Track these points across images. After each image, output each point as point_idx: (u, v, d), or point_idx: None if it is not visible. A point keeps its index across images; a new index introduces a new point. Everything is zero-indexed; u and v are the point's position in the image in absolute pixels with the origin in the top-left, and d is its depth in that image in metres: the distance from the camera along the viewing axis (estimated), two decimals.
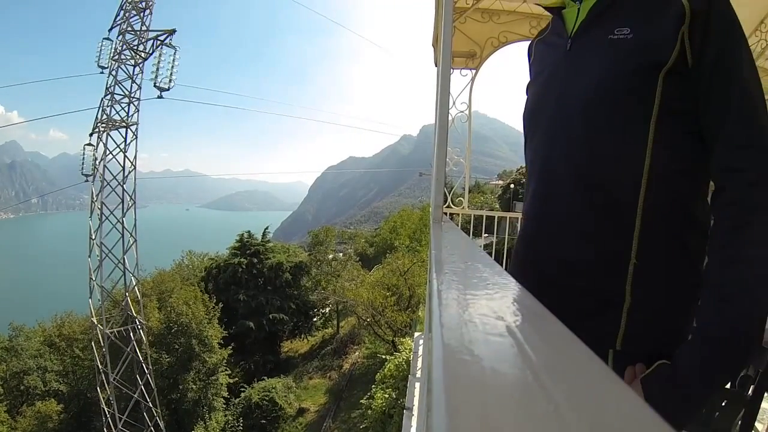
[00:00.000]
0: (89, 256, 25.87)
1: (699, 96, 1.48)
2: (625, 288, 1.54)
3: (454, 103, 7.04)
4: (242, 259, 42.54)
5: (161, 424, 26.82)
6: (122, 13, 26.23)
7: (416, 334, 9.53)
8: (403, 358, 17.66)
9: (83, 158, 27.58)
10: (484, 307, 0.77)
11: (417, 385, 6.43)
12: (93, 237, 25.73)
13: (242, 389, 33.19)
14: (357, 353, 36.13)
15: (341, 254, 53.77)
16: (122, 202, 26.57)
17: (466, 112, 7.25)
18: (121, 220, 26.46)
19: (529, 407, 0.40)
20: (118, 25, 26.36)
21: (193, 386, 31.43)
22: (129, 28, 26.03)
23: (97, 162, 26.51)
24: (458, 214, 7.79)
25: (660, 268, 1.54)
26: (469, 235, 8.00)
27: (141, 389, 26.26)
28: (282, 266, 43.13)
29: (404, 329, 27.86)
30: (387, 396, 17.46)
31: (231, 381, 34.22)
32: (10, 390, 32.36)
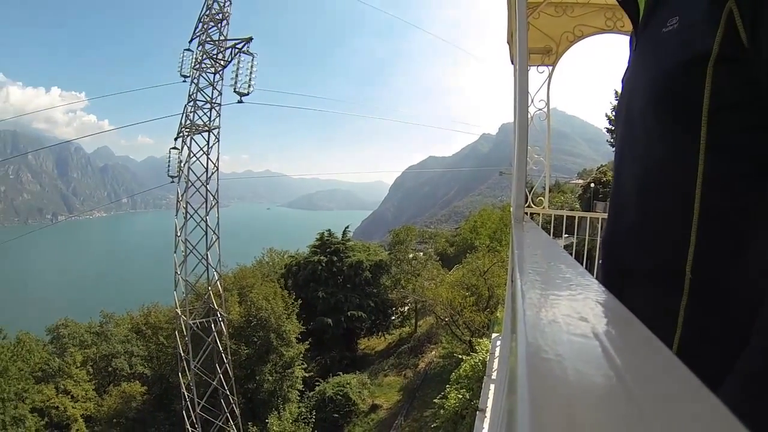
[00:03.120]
0: (175, 252, 27.40)
1: (763, 81, 1.30)
2: (681, 302, 1.46)
3: (532, 100, 6.89)
4: (322, 257, 43.14)
5: (237, 411, 27.97)
6: (201, 25, 27.63)
7: (494, 335, 9.42)
8: (479, 359, 17.39)
9: (169, 161, 29.06)
10: (567, 307, 0.80)
11: (492, 386, 6.38)
12: (178, 234, 27.11)
13: (317, 383, 33.82)
14: (433, 352, 36.02)
15: (421, 253, 53.32)
16: (206, 201, 27.89)
17: (545, 109, 7.12)
18: (204, 219, 27.78)
19: (614, 411, 0.39)
20: (197, 36, 27.77)
21: (270, 378, 32.56)
22: (208, 39, 27.34)
23: (182, 164, 27.93)
24: (539, 214, 7.63)
25: (717, 283, 1.44)
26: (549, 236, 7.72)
27: (219, 377, 27.49)
28: (362, 264, 43.45)
29: (482, 330, 27.50)
30: (460, 396, 17.44)
31: (306, 375, 35.17)
32: (99, 371, 35.02)
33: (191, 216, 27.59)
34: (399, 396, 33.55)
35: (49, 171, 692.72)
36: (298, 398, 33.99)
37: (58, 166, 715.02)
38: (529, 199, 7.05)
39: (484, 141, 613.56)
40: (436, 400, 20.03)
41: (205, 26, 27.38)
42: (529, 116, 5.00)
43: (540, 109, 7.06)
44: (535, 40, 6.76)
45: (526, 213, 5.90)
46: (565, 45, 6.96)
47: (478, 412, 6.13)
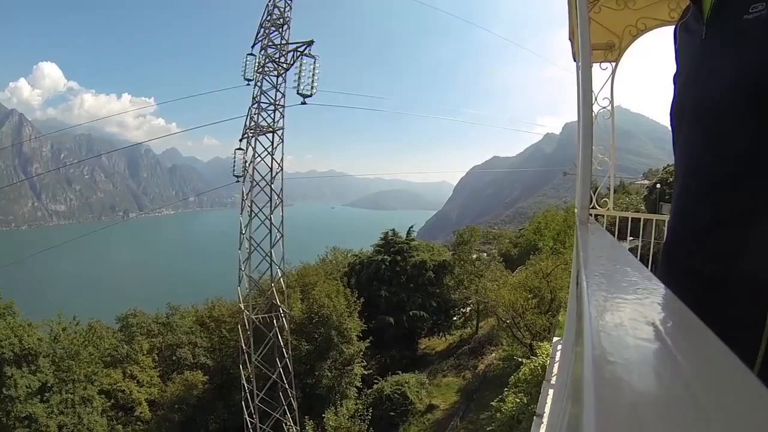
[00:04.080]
0: (239, 249, 28.24)
1: None
2: (760, 312, 1.32)
3: (595, 99, 6.73)
4: (386, 257, 43.45)
5: (294, 405, 28.64)
6: (262, 30, 28.29)
7: (555, 338, 9.27)
8: (539, 363, 17.35)
9: (234, 161, 29.92)
10: (633, 311, 0.79)
11: (551, 392, 6.28)
12: (243, 232, 28.00)
13: (376, 381, 34.10)
14: (493, 354, 35.75)
15: (485, 254, 53.10)
16: (270, 200, 28.57)
17: (609, 107, 6.92)
18: (269, 217, 28.44)
19: (681, 419, 0.38)
20: (260, 41, 28.46)
21: (329, 374, 33.12)
22: (270, 43, 28.03)
23: (247, 164, 28.69)
24: (603, 216, 7.34)
25: None
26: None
27: (279, 371, 28.17)
28: (425, 264, 43.42)
29: (543, 333, 27.33)
30: (518, 400, 17.43)
31: (365, 372, 35.53)
32: (164, 359, 37.02)
33: (256, 214, 28.33)
34: (456, 397, 33.43)
35: (120, 171, 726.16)
36: (356, 395, 34.37)
37: (129, 167, 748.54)
38: (594, 201, 6.83)
39: (548, 141, 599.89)
40: (493, 403, 20.05)
41: (266, 31, 28.05)
42: (592, 115, 5.23)
43: (604, 108, 6.89)
44: (597, 36, 6.57)
45: (591, 214, 5.57)
46: (628, 39, 6.77)
47: (535, 418, 6.06)
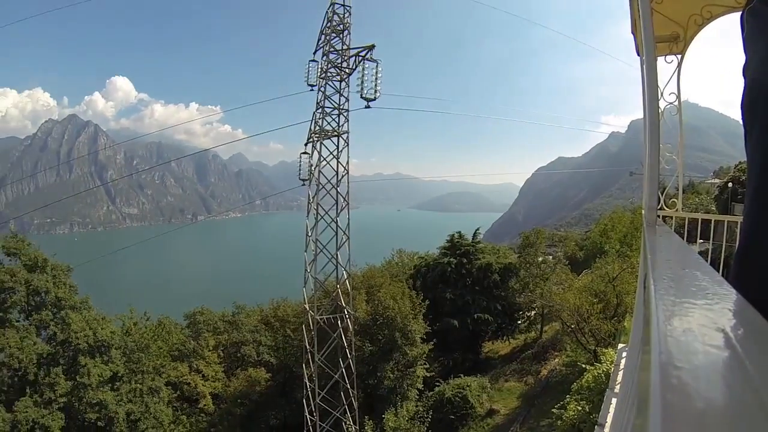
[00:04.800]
0: (305, 251, 28.83)
1: None
2: None
3: (661, 94, 6.21)
4: (452, 259, 43.32)
5: (355, 405, 28.99)
6: (323, 36, 28.75)
7: (620, 345, 8.99)
8: (602, 370, 16.97)
9: (300, 165, 30.46)
10: (703, 317, 0.76)
11: (614, 401, 6.13)
12: (309, 234, 28.58)
13: (437, 383, 33.94)
14: (556, 360, 35.24)
15: (551, 257, 51.96)
16: (336, 203, 29.08)
17: (676, 103, 6.56)
18: (335, 220, 28.94)
19: (751, 430, 0.37)
20: (321, 47, 28.95)
21: (391, 375, 33.32)
22: (331, 49, 28.45)
23: (313, 168, 29.27)
24: (671, 217, 7.02)
25: None
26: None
27: (342, 371, 28.57)
28: (491, 267, 43.27)
29: (608, 339, 26.68)
30: (580, 408, 17.04)
31: (428, 374, 35.46)
32: (228, 355, 38.55)
33: (322, 217, 28.84)
34: (517, 402, 33.02)
35: (189, 176, 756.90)
36: (417, 397, 34.38)
37: (198, 172, 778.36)
38: (662, 201, 6.53)
39: (613, 140, 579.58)
40: (554, 410, 19.61)
41: (327, 37, 28.51)
42: (659, 111, 4.46)
43: (670, 103, 6.56)
44: (660, 27, 6.20)
45: (658, 216, 5.30)
46: (694, 29, 6.46)
47: (597, 427, 6.01)
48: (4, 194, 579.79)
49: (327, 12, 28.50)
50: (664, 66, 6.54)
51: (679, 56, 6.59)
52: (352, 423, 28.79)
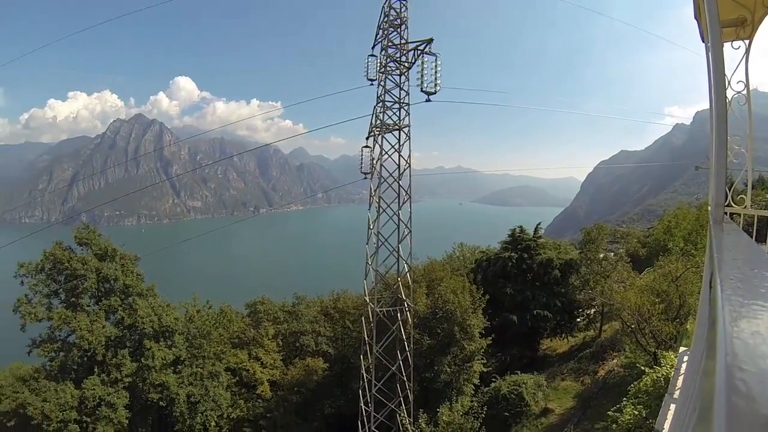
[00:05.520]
0: (367, 244, 29.14)
1: None
2: None
3: (728, 82, 5.78)
4: (512, 254, 42.98)
5: (410, 397, 29.23)
6: (381, 31, 28.89)
7: (681, 348, 8.76)
8: (662, 374, 16.54)
9: (361, 159, 30.87)
10: None
11: (672, 406, 5.99)
12: (371, 227, 28.87)
13: (494, 379, 33.83)
14: (615, 360, 34.51)
15: (612, 254, 51.01)
16: (398, 196, 29.19)
17: (744, 92, 6.13)
18: (397, 213, 29.05)
19: None
20: (379, 42, 29.12)
21: (448, 369, 33.25)
22: (390, 44, 28.57)
23: (375, 161, 29.51)
24: (739, 215, 6.59)
25: None
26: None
27: (399, 364, 28.75)
28: (552, 263, 42.66)
29: (668, 341, 25.83)
30: (636, 413, 16.66)
31: (484, 370, 35.36)
32: (287, 344, 39.90)
33: (384, 210, 29.06)
34: (573, 402, 32.52)
35: (251, 170, 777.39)
36: (473, 392, 34.33)
37: (260, 166, 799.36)
38: (729, 197, 6.05)
39: (677, 132, 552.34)
40: (610, 413, 19.06)
41: (385, 32, 28.66)
42: (726, 101, 4.61)
43: (738, 92, 6.11)
44: (726, 11, 5.69)
45: (726, 213, 4.89)
46: (762, 12, 6.01)
47: None
48: (76, 189, 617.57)
49: (383, 7, 28.65)
50: (731, 52, 6.11)
51: (747, 41, 6.20)
52: (406, 415, 28.94)
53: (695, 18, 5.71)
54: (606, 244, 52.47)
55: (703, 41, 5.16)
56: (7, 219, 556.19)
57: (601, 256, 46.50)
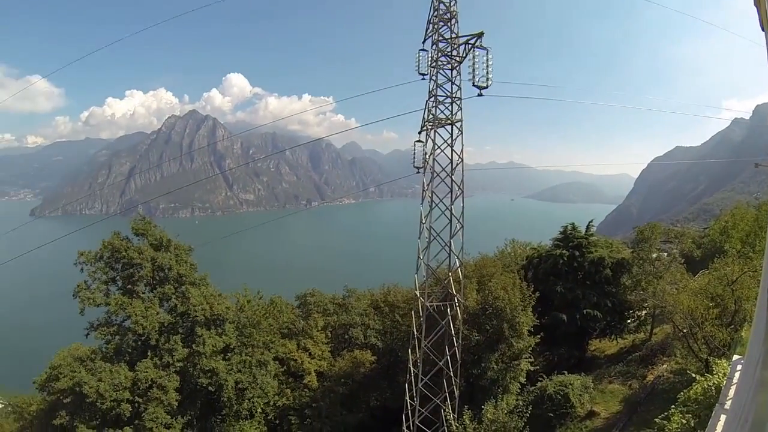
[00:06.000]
0: (419, 238, 29.17)
1: None
2: None
3: None
4: (564, 251, 42.26)
5: (456, 393, 29.21)
6: (431, 25, 28.71)
7: (735, 357, 8.56)
8: (713, 382, 15.98)
9: (414, 153, 30.88)
10: None
11: (723, 418, 5.92)
12: (423, 221, 28.86)
13: (540, 378, 33.37)
14: (665, 366, 33.63)
15: (665, 254, 49.91)
16: (450, 191, 29.13)
17: None
18: (449, 208, 29.03)
19: None
20: (429, 36, 28.92)
21: (495, 366, 33.06)
22: (440, 38, 28.38)
23: (427, 156, 29.45)
24: None
25: None
26: None
27: (447, 359, 28.81)
28: (603, 261, 41.67)
29: (721, 348, 25.06)
30: (684, 422, 16.13)
31: (531, 368, 34.98)
32: (336, 336, 40.84)
33: (436, 205, 29.06)
34: (619, 407, 31.75)
35: (303, 164, 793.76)
36: (518, 390, 33.99)
37: (312, 160, 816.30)
38: None
39: (736, 127, 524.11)
40: (657, 420, 18.62)
41: (435, 26, 28.48)
42: None
43: None
44: None
45: None
46: None
47: None
48: (133, 182, 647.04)
49: (432, 1, 28.50)
50: None
51: None
52: (450, 411, 28.90)
53: (755, 5, 5.10)
54: (659, 243, 51.24)
55: (763, 29, 4.85)
56: (69, 210, 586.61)
57: (654, 256, 45.32)
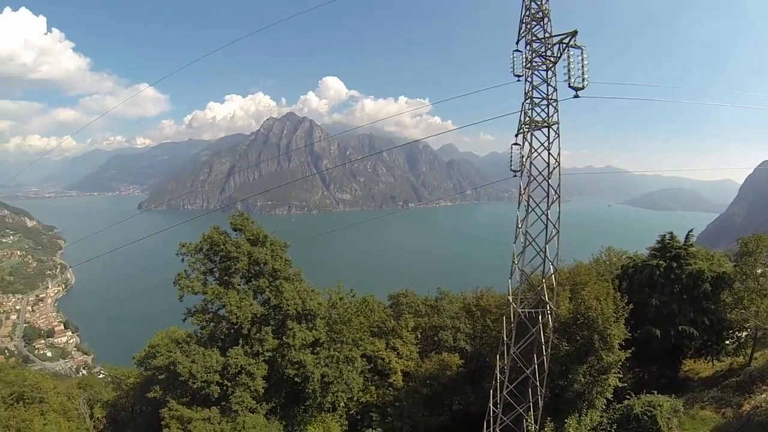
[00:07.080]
0: (514, 243, 28.83)
1: None
2: None
3: None
4: (661, 262, 40.19)
5: (540, 404, 28.52)
6: (523, 25, 28.19)
7: None
8: None
9: (511, 156, 30.46)
10: None
11: None
12: (519, 226, 28.60)
13: (627, 396, 31.82)
14: (764, 396, 31.19)
15: None
16: (547, 195, 28.56)
17: None
18: (545, 212, 28.46)
19: None
20: (523, 36, 28.41)
21: (582, 379, 32.20)
22: (533, 38, 27.83)
23: (524, 159, 29.14)
24: None
25: None
26: None
27: (534, 367, 28.33)
28: (702, 275, 39.05)
29: None
30: None
31: (619, 384, 33.53)
32: (426, 338, 41.60)
33: (533, 209, 28.63)
34: None
35: (400, 165, 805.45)
36: (604, 407, 32.68)
37: (408, 162, 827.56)
38: None
39: None
40: None
41: (528, 26, 27.95)
42: None
43: None
44: None
45: None
46: None
47: None
48: (233, 180, 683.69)
49: (524, 0, 27.99)
50: None
51: None
52: (533, 422, 28.48)
53: None
54: (765, 258, 47.83)
55: None
56: (172, 205, 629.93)
57: (759, 271, 41.56)
